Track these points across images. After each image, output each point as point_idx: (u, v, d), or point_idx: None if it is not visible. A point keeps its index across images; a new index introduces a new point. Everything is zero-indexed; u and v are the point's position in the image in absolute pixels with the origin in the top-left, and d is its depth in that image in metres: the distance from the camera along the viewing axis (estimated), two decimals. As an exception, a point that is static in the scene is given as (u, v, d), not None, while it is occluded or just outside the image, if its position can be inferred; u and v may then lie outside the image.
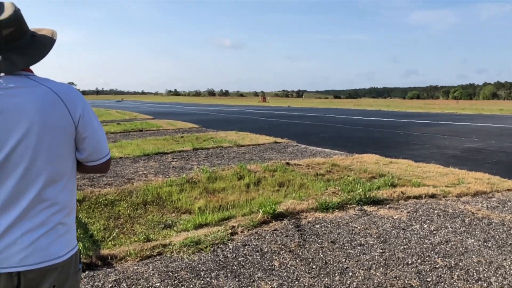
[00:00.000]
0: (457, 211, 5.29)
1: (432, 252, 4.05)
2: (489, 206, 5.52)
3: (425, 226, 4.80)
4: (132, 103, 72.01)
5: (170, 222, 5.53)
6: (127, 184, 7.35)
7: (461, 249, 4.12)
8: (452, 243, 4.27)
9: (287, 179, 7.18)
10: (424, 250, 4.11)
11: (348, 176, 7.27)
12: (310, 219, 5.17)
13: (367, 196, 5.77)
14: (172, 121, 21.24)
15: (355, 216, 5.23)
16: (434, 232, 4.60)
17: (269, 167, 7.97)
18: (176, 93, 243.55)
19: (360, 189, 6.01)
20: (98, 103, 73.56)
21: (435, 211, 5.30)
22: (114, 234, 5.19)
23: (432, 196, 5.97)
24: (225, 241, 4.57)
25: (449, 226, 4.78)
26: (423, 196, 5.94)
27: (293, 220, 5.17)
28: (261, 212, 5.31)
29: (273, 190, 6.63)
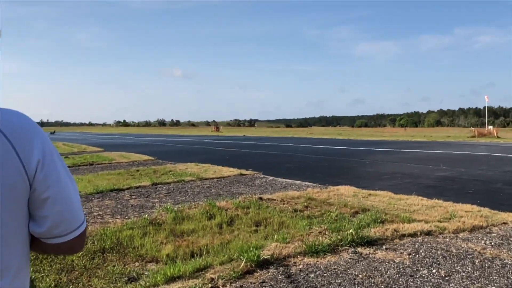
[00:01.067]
0: (461, 251, 4.78)
1: (455, 305, 3.47)
2: (493, 243, 5.06)
3: (434, 270, 4.24)
4: (79, 135, 69.52)
5: (134, 274, 4.73)
6: (80, 228, 6.43)
7: (485, 300, 3.56)
8: (473, 292, 3.71)
9: (264, 217, 6.50)
10: (445, 303, 3.52)
11: (330, 212, 6.69)
12: (300, 267, 4.50)
13: (359, 235, 5.18)
14: (124, 153, 20.15)
15: (351, 260, 4.61)
16: (447, 278, 4.04)
17: (241, 204, 7.28)
18: (125, 124, 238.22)
19: (351, 229, 5.42)
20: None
21: (438, 252, 4.77)
22: (68, 293, 4.35)
23: (428, 233, 5.46)
24: (206, 299, 3.82)
25: (460, 270, 4.24)
26: (419, 233, 5.42)
27: (281, 269, 4.49)
28: (243, 260, 4.59)
29: (250, 230, 5.94)
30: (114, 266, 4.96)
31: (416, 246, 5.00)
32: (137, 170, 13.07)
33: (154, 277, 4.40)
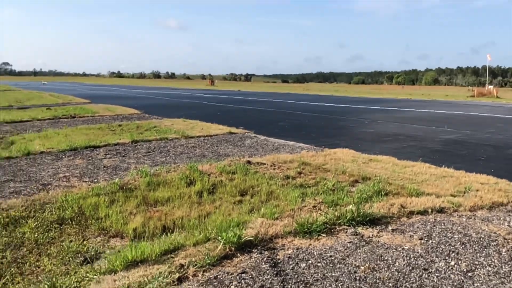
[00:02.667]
0: (483, 235, 4.00)
1: (485, 316, 2.70)
2: (518, 226, 4.27)
3: (452, 262, 3.46)
4: (70, 85, 67.96)
5: (93, 253, 3.95)
6: (41, 192, 5.61)
7: (522, 308, 2.79)
8: (505, 296, 2.94)
9: (251, 184, 5.70)
10: (471, 312, 2.75)
11: (326, 179, 5.88)
12: (290, 251, 3.72)
13: (360, 212, 4.38)
14: (110, 106, 19.20)
15: (350, 245, 3.82)
16: (470, 274, 3.26)
17: (227, 168, 6.45)
18: (119, 75, 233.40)
19: (351, 203, 4.61)
20: (33, 84, 68.89)
21: (455, 236, 3.99)
22: (7, 277, 3.58)
23: (441, 210, 4.68)
24: (170, 296, 3.04)
25: (484, 262, 3.46)
26: (430, 211, 4.64)
27: (267, 253, 3.71)
28: (221, 242, 3.80)
29: (234, 201, 5.15)
30: (71, 241, 4.21)
31: (428, 227, 4.22)
32: (120, 125, 12.18)
33: (113, 261, 3.61)
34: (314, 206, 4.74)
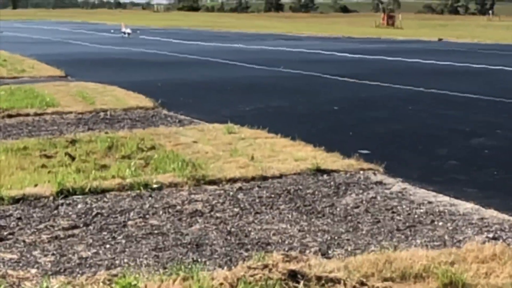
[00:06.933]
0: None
1: None
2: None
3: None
4: (74, 28, 70.80)
5: None
6: None
7: None
8: None
9: None
10: None
11: None
12: None
13: None
14: (97, 87, 19.89)
15: None
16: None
17: None
18: (192, 8, 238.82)
19: None
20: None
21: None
22: None
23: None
24: None
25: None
26: None
27: None
28: None
29: None
30: None
31: None
32: (73, 141, 12.13)
33: None
34: None
